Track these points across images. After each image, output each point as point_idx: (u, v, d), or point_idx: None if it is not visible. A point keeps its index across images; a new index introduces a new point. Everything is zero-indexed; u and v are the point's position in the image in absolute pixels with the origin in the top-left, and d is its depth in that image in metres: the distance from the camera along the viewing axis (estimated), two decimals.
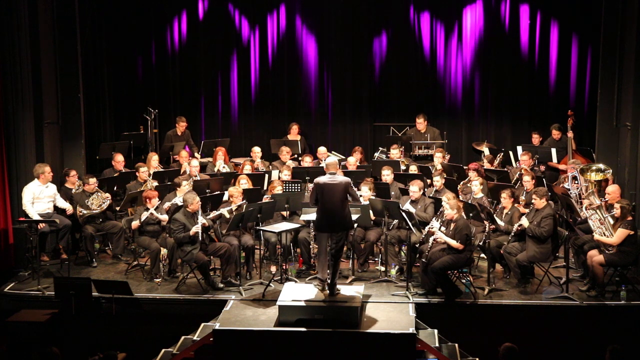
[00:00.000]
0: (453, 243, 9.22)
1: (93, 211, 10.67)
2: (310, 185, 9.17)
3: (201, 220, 9.57)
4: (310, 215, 9.42)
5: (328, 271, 8.73)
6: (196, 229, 9.48)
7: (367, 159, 13.32)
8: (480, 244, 9.86)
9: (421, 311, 8.97)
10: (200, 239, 9.52)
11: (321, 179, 8.70)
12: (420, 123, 13.47)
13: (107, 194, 10.88)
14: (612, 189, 9.93)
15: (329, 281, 8.72)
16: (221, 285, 9.68)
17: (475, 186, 10.69)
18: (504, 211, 10.07)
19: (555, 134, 12.87)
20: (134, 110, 14.06)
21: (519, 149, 12.72)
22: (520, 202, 10.36)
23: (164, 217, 10.22)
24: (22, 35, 10.87)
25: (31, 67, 11.05)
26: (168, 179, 11.46)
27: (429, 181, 11.36)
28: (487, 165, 12.18)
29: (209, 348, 8.45)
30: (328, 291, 8.73)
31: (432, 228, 9.44)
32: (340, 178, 8.72)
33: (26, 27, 10.92)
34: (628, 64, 11.27)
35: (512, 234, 9.66)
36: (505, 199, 10.04)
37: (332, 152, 13.43)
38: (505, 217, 10.00)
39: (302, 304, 8.54)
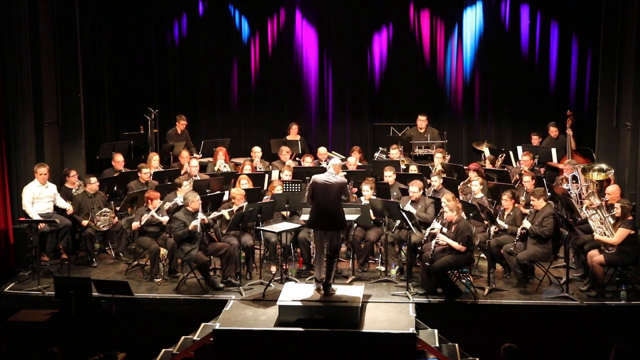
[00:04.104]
0: (455, 245, 9.22)
1: (98, 228, 10.67)
2: None
3: (201, 216, 9.57)
4: None
5: (324, 270, 8.75)
6: (195, 222, 9.49)
7: (367, 158, 13.31)
8: (479, 242, 9.86)
9: (421, 311, 8.96)
10: (199, 235, 9.52)
11: (319, 178, 8.72)
12: (422, 121, 13.47)
13: (114, 215, 10.85)
14: (613, 189, 9.93)
15: (324, 281, 8.74)
16: (221, 285, 9.68)
17: (475, 186, 10.69)
18: (506, 212, 10.06)
19: (553, 130, 12.88)
20: (134, 110, 14.05)
21: (519, 149, 12.70)
22: (521, 203, 10.34)
23: (165, 219, 10.21)
24: (22, 35, 10.85)
25: (31, 67, 11.04)
26: (168, 179, 11.47)
27: (429, 181, 11.35)
28: (487, 165, 12.18)
29: (209, 348, 8.43)
30: (323, 291, 8.74)
31: (433, 230, 9.44)
32: (337, 178, 8.75)
33: (26, 27, 10.91)
34: (628, 64, 11.26)
35: (517, 237, 9.65)
36: (506, 200, 10.03)
37: (332, 152, 13.42)
38: (508, 218, 9.99)
39: (302, 304, 8.54)
